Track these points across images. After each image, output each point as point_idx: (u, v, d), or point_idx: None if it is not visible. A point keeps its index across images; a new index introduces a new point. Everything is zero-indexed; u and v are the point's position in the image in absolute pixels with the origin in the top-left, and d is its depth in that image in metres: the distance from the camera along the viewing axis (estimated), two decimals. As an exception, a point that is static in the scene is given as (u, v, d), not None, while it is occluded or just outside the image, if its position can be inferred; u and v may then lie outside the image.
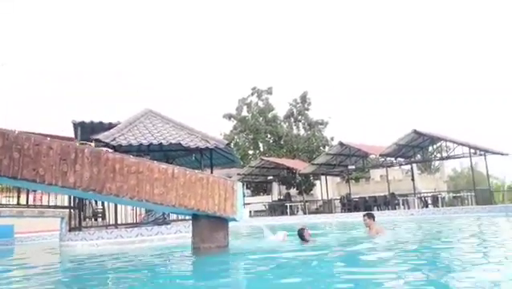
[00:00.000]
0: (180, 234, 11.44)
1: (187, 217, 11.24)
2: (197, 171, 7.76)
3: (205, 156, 13.88)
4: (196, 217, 7.96)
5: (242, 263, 6.71)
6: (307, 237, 8.07)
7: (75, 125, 13.19)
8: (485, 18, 71.65)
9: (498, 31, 70.87)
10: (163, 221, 12.17)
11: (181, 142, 12.24)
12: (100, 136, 11.76)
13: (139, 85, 70.65)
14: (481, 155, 21.28)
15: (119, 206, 12.46)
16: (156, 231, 11.35)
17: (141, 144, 12.05)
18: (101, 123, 13.26)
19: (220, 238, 7.89)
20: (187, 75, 76.20)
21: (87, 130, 13.18)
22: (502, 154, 21.31)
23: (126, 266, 7.30)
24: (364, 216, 9.01)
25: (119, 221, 12.36)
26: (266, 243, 8.99)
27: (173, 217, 14.17)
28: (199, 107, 65.52)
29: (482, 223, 12.17)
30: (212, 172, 14.05)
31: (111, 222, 12.56)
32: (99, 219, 14.51)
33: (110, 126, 12.95)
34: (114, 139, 11.77)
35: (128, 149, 11.82)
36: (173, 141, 12.25)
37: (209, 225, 7.81)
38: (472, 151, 21.22)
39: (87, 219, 13.59)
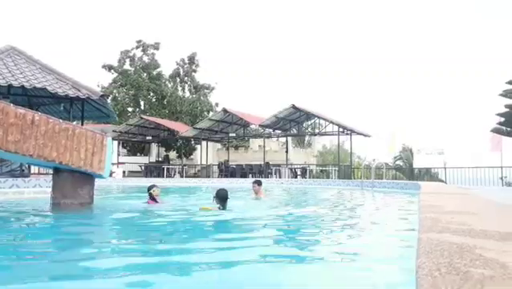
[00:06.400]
0: (40, 188, 10.45)
1: (50, 171, 10.32)
2: (62, 120, 7.02)
3: (75, 108, 12.69)
4: (57, 171, 7.29)
5: (98, 222, 6.41)
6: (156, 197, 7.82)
7: None
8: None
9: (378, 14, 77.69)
10: (20, 173, 10.94)
11: (48, 87, 10.94)
12: None
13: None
14: (347, 134, 23.37)
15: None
16: (11, 184, 10.19)
17: (-1, 84, 10.53)
18: None
19: (84, 195, 7.37)
20: (62, 16, 68.73)
21: None
22: (365, 135, 23.76)
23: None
24: (254, 183, 9.94)
25: (-35, 171, 10.76)
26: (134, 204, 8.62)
27: (35, 170, 12.90)
28: (75, 54, 59.92)
29: (339, 193, 13.47)
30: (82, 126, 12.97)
31: (-46, 171, 10.91)
32: None
33: (-41, 59, 11.04)
34: (-37, 75, 10.07)
35: (-19, 89, 10.26)
36: (38, 85, 10.87)
37: (73, 180, 7.23)
38: (340, 130, 23.18)
39: None
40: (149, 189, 7.92)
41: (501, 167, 18.58)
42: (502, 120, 21.35)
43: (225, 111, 25.41)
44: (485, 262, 1.44)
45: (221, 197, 6.69)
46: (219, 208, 6.66)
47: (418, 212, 3.90)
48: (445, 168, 20.55)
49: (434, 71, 78.65)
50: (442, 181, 20.36)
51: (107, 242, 4.66)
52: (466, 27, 72.30)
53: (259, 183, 9.90)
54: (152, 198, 7.79)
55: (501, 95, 21.14)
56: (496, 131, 21.35)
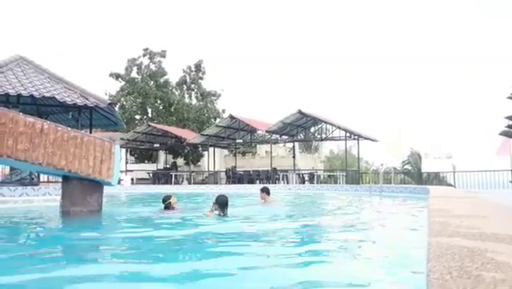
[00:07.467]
0: (49, 196, 10.51)
1: (59, 179, 10.39)
2: (70, 128, 7.09)
3: (83, 116, 12.78)
4: (67, 179, 7.35)
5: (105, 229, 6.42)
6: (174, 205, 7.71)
7: None
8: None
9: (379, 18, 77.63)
10: (30, 181, 11.03)
11: (56, 96, 11.05)
12: (-44, 80, 10.10)
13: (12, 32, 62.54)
14: (354, 139, 23.28)
15: (-24, 163, 10.96)
16: (21, 192, 10.26)
17: (8, 94, 10.63)
18: (-42, 65, 11.38)
19: (93, 202, 7.42)
20: (69, 26, 69.53)
21: None
22: (372, 140, 23.64)
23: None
24: (262, 192, 9.79)
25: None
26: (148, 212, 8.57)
27: (44, 178, 13.00)
28: (83, 63, 60.52)
29: (346, 198, 13.41)
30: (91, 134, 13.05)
31: (-35, 180, 11.03)
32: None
33: (-30, 70, 11.19)
34: (-27, 85, 10.20)
35: (-9, 99, 10.38)
36: (47, 94, 10.98)
37: (82, 188, 7.28)
38: (347, 134, 23.11)
39: None
40: (165, 200, 7.64)
41: (511, 170, 18.39)
42: (511, 123, 21.11)
43: (231, 117, 25.47)
44: (497, 265, 1.43)
45: (221, 203, 6.65)
46: (219, 214, 6.60)
47: (427, 216, 3.87)
48: (454, 172, 20.38)
49: (434, 71, 78.41)
50: (451, 185, 20.17)
51: (116, 250, 4.68)
52: (466, 27, 71.98)
53: (267, 192, 9.67)
54: (167, 208, 7.57)
55: (509, 98, 20.94)
56: (505, 134, 21.13)
